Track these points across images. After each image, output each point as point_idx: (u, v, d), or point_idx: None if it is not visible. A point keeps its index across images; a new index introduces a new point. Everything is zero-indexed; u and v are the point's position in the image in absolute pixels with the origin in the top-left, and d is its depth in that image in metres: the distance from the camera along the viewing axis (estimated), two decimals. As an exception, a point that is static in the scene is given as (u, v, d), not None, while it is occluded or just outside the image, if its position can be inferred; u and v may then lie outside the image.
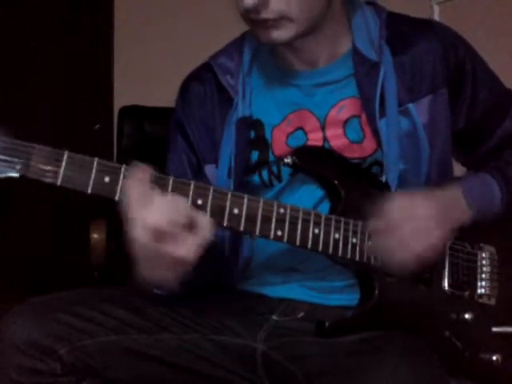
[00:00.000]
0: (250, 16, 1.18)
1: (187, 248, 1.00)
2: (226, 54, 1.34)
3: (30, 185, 1.02)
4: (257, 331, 1.27)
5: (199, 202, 1.06)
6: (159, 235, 0.98)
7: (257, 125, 1.29)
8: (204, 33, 3.33)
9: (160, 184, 1.04)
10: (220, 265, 1.29)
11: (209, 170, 1.31)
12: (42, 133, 3.68)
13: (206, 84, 1.33)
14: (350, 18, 1.29)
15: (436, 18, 2.92)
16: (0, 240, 3.71)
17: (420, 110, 1.25)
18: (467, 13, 2.82)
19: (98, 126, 3.81)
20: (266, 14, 1.16)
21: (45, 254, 3.75)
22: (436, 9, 2.96)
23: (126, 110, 3.00)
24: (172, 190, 1.05)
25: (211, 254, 1.25)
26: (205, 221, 1.02)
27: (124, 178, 1.03)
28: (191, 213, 1.01)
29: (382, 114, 1.23)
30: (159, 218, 0.98)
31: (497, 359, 1.23)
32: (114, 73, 3.86)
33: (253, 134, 1.29)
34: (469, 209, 1.22)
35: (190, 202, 1.05)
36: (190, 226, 1.01)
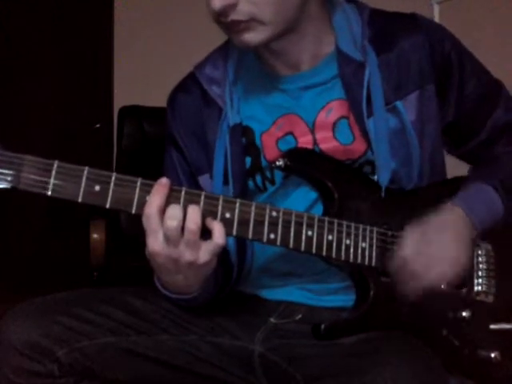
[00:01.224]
0: (220, 19, 1.16)
1: (203, 254, 1.05)
2: (210, 63, 1.32)
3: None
4: (255, 333, 1.27)
5: None
6: (177, 243, 1.03)
7: (247, 131, 1.29)
8: (203, 33, 3.33)
9: (147, 191, 1.04)
10: (230, 271, 1.29)
11: (203, 180, 1.30)
12: (43, 132, 3.69)
13: (193, 95, 1.32)
14: (331, 18, 1.28)
15: (436, 17, 2.92)
16: (0, 240, 3.72)
17: (408, 107, 1.24)
18: (467, 13, 2.82)
19: (98, 125, 3.82)
20: (234, 16, 1.14)
21: (45, 254, 3.75)
22: (436, 8, 2.97)
23: (125, 110, 3.00)
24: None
25: (223, 261, 1.26)
26: (218, 228, 1.05)
27: (117, 186, 1.03)
28: (205, 220, 1.05)
29: (370, 113, 1.22)
30: (177, 226, 1.02)
31: (495, 356, 1.22)
32: (114, 73, 3.87)
33: (244, 140, 1.29)
34: (475, 227, 1.22)
35: (181, 207, 1.05)
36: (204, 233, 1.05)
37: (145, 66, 3.65)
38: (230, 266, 1.29)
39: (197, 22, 3.53)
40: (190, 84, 1.34)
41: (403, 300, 1.17)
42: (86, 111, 3.81)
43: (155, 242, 1.03)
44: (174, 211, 1.02)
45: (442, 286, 1.17)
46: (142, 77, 3.60)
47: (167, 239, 1.03)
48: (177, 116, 1.34)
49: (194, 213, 1.03)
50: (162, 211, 1.03)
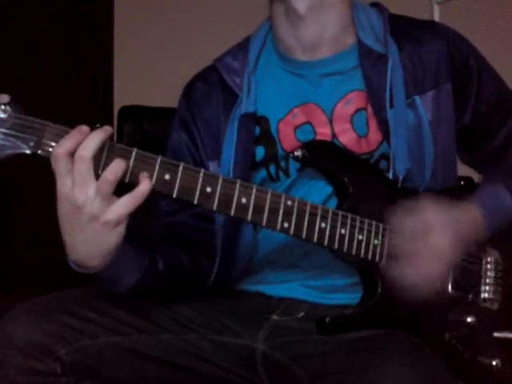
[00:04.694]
0: None
1: (111, 211, 1.01)
2: (230, 55, 1.36)
3: (31, 184, 1.02)
4: (257, 331, 1.27)
5: (208, 189, 1.07)
6: (85, 187, 0.99)
7: (262, 121, 1.30)
8: (204, 33, 3.33)
9: (167, 168, 1.04)
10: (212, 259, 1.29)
11: (212, 166, 1.32)
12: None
13: (211, 84, 1.36)
14: (353, 13, 1.31)
15: (436, 18, 2.92)
16: (0, 240, 3.71)
17: (425, 105, 1.26)
18: (467, 13, 2.82)
19: (97, 125, 3.81)
20: None
21: (45, 253, 3.75)
22: (436, 9, 2.96)
23: (125, 110, 3.00)
24: (181, 175, 1.05)
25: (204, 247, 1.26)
26: (146, 183, 1.02)
27: (136, 161, 1.02)
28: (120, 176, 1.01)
29: (390, 105, 1.24)
30: (86, 166, 0.99)
31: (496, 364, 1.23)
32: (114, 72, 3.86)
33: (258, 130, 1.30)
34: (486, 229, 1.22)
35: (198, 189, 1.05)
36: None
37: (145, 65, 3.65)
38: (211, 255, 1.29)
39: (198, 22, 3.53)
40: (208, 73, 1.38)
41: (408, 298, 1.17)
42: (86, 111, 3.81)
43: (63, 186, 1.00)
44: (84, 153, 0.99)
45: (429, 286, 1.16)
46: (142, 76, 3.60)
47: (74, 181, 0.99)
48: (192, 103, 1.36)
49: (117, 165, 1.00)
50: (72, 155, 0.99)
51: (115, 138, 3.17)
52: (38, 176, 1.05)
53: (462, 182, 1.33)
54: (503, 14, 2.79)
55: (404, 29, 1.30)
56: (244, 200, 1.08)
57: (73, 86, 3.79)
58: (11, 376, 1.12)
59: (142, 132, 2.99)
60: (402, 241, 1.14)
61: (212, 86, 1.35)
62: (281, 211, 1.10)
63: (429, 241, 1.13)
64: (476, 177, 1.39)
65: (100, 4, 3.80)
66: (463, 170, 1.42)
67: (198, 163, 1.33)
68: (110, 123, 3.58)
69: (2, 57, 3.68)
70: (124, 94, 3.61)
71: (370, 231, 1.17)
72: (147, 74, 3.61)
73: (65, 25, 3.79)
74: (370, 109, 1.26)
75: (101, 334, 1.17)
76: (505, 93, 1.37)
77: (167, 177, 1.04)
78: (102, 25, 3.78)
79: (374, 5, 1.36)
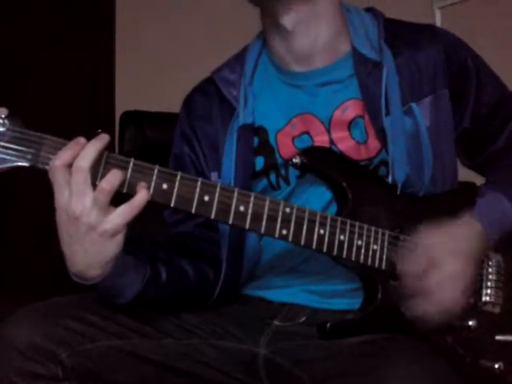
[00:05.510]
0: None
1: (108, 221, 1.02)
2: (227, 67, 1.36)
3: (31, 185, 1.02)
4: (259, 336, 1.27)
5: (206, 198, 1.07)
6: (83, 197, 1.00)
7: (260, 131, 1.30)
8: (205, 38, 3.34)
9: (165, 178, 1.05)
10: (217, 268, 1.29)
11: (213, 177, 1.32)
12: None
13: (209, 97, 1.36)
14: (346, 18, 1.31)
15: (438, 22, 2.92)
16: (0, 242, 3.71)
17: (422, 112, 1.26)
18: (469, 17, 2.82)
19: (99, 130, 3.81)
20: None
21: (46, 259, 3.74)
22: (438, 13, 2.97)
23: (127, 115, 3.00)
24: (179, 185, 1.05)
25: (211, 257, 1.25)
26: (143, 193, 1.03)
27: (134, 172, 1.03)
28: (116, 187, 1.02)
29: (386, 112, 1.24)
30: (84, 178, 1.00)
31: (498, 367, 1.22)
32: (116, 78, 3.87)
33: (256, 140, 1.30)
34: (489, 241, 1.23)
35: (196, 199, 1.05)
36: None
37: (146, 71, 3.65)
38: (217, 263, 1.29)
39: (200, 28, 3.54)
40: (206, 86, 1.38)
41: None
42: (88, 116, 3.81)
43: (61, 197, 1.01)
44: (82, 163, 1.00)
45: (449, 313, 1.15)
46: (143, 82, 3.61)
47: (71, 192, 1.00)
48: (192, 116, 1.37)
49: (113, 175, 1.02)
50: (69, 167, 1.00)
51: (117, 143, 3.19)
52: (39, 180, 1.05)
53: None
54: (505, 18, 2.79)
55: (401, 33, 1.30)
56: (242, 208, 1.08)
57: (74, 91, 3.80)
58: (13, 380, 1.11)
59: (144, 137, 2.99)
60: (412, 281, 1.13)
61: (211, 100, 1.36)
62: (279, 219, 1.11)
63: (440, 273, 1.13)
64: (478, 182, 1.39)
65: (102, 8, 3.81)
66: (465, 175, 1.42)
67: (200, 174, 1.33)
68: (112, 128, 3.58)
69: (2, 57, 3.68)
70: (126, 100, 3.62)
71: (369, 237, 1.17)
72: (149, 80, 3.62)
73: (66, 29, 3.79)
74: (367, 117, 1.25)
75: (102, 338, 1.17)
76: (505, 96, 1.37)
77: (165, 186, 1.05)
78: (104, 29, 3.78)
79: (368, 9, 1.36)
